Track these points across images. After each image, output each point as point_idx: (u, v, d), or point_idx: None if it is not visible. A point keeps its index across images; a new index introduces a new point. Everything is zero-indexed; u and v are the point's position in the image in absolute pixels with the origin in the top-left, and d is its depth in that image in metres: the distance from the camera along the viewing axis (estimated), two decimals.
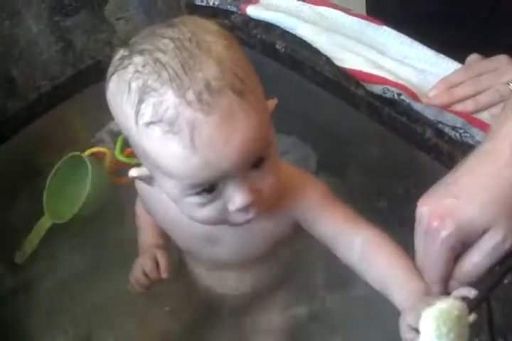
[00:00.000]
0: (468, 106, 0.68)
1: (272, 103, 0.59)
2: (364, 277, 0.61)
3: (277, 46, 0.85)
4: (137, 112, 0.50)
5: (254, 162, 0.54)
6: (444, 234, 0.48)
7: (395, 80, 0.73)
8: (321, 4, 0.87)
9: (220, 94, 0.49)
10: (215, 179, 0.52)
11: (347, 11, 0.86)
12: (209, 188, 0.53)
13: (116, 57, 0.54)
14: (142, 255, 0.75)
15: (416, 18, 0.91)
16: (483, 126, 0.67)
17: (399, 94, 0.72)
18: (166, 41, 0.50)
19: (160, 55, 0.50)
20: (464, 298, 0.46)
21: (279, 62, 0.87)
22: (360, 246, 0.62)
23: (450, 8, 0.87)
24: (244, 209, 0.55)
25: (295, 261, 0.77)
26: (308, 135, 0.96)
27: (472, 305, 0.46)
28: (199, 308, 0.82)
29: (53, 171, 0.88)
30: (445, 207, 0.49)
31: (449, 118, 0.69)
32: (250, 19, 0.89)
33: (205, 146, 0.49)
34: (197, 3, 0.93)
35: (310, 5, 0.87)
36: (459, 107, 0.69)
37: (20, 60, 0.91)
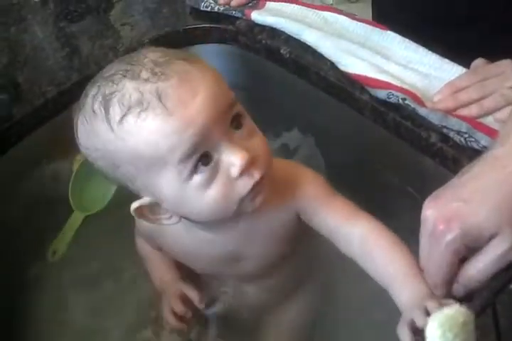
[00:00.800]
0: (472, 110, 0.68)
1: None
2: (367, 271, 0.61)
3: (282, 51, 0.85)
4: (109, 120, 0.52)
5: (232, 120, 0.55)
6: (449, 237, 0.48)
7: (399, 85, 0.73)
8: (325, 10, 0.87)
9: (170, 63, 0.53)
10: (202, 140, 0.53)
11: (351, 16, 0.86)
12: (204, 160, 0.54)
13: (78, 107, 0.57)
14: (165, 294, 0.74)
15: (422, 23, 0.92)
16: (489, 131, 0.67)
17: (403, 99, 0.72)
18: (136, 70, 0.54)
19: (128, 77, 0.53)
20: (469, 304, 0.46)
21: (283, 67, 0.87)
22: (359, 239, 0.61)
23: (456, 11, 0.87)
24: (247, 170, 0.54)
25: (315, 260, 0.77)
26: (311, 137, 0.96)
27: (478, 310, 0.46)
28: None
29: (77, 166, 0.89)
30: (451, 210, 0.49)
31: (453, 123, 0.69)
32: (255, 24, 0.89)
33: (176, 106, 0.51)
34: (202, 9, 0.93)
35: (314, 10, 0.87)
36: (463, 112, 0.69)
37: (26, 66, 0.91)
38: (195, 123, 0.52)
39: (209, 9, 0.92)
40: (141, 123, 0.51)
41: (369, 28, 0.83)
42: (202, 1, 0.93)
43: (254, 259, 0.69)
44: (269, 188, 0.58)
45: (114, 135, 0.52)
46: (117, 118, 0.52)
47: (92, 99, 0.54)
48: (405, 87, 0.73)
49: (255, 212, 0.60)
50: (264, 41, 0.87)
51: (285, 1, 0.90)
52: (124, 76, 0.53)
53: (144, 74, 0.52)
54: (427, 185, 0.72)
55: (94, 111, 0.54)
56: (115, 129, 0.52)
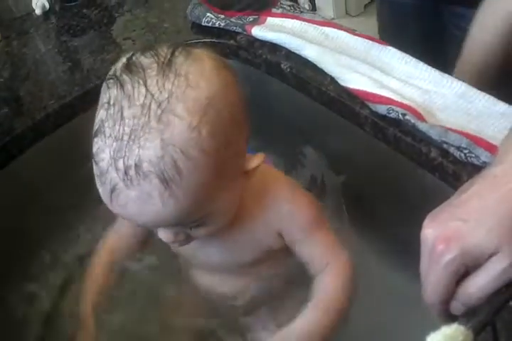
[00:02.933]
0: None
1: (259, 158, 0.61)
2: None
3: (282, 66, 0.85)
4: (93, 136, 0.53)
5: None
6: (448, 257, 0.48)
7: (399, 100, 0.74)
8: (325, 25, 0.88)
9: (145, 179, 0.49)
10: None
11: (351, 31, 0.86)
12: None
13: (117, 65, 0.54)
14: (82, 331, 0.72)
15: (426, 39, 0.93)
16: (489, 147, 0.67)
17: (404, 114, 0.72)
18: (143, 91, 0.50)
19: (126, 105, 0.50)
20: (468, 322, 0.46)
21: (284, 82, 0.87)
22: (317, 278, 0.68)
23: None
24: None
25: (296, 276, 0.76)
26: (311, 150, 0.96)
27: (477, 328, 0.45)
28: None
29: None
30: (451, 230, 0.48)
31: (453, 139, 0.69)
32: (256, 39, 0.90)
33: (119, 208, 0.52)
34: (203, 24, 0.94)
35: (315, 26, 0.88)
36: None
37: (28, 80, 0.92)
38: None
39: (210, 24, 0.93)
40: (96, 179, 0.53)
41: (369, 43, 0.84)
42: (203, 17, 0.94)
43: (221, 252, 0.70)
44: (258, 203, 0.64)
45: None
46: (93, 149, 0.53)
47: (108, 98, 0.53)
48: (405, 102, 0.73)
49: (239, 225, 0.64)
50: (264, 56, 0.88)
51: (286, 17, 0.91)
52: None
53: (120, 164, 0.50)
54: (427, 200, 0.73)
55: (99, 108, 0.53)
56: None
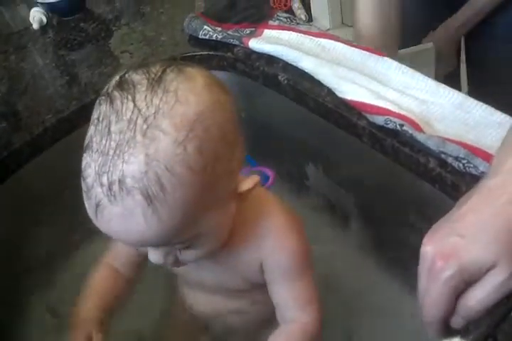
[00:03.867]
0: None
1: (252, 181, 0.59)
2: None
3: (280, 78, 0.86)
4: (83, 151, 0.53)
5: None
6: (447, 273, 0.48)
7: (397, 111, 0.74)
8: (322, 37, 0.88)
9: (128, 194, 0.48)
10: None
11: (348, 42, 0.87)
12: None
13: (111, 82, 0.54)
14: (74, 330, 0.69)
15: None
16: (487, 156, 0.67)
17: (401, 125, 0.72)
18: (130, 106, 0.50)
19: (113, 120, 0.50)
20: (469, 336, 0.45)
21: (281, 93, 0.87)
22: (284, 325, 0.67)
23: None
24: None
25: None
26: (308, 161, 0.96)
27: None
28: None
29: None
30: (449, 246, 0.49)
31: (451, 149, 0.69)
32: (253, 52, 0.90)
33: (104, 224, 0.52)
34: (200, 37, 0.94)
35: (311, 37, 0.88)
36: None
37: (25, 94, 0.92)
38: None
39: (207, 37, 0.94)
40: (84, 195, 0.53)
41: (366, 54, 0.84)
42: (200, 29, 0.94)
43: (213, 275, 0.69)
44: (249, 230, 0.63)
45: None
46: (82, 164, 0.52)
47: (98, 113, 0.52)
48: (403, 112, 0.73)
49: (227, 250, 0.63)
50: (262, 68, 0.88)
51: (282, 29, 0.91)
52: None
53: (104, 180, 0.49)
54: (426, 211, 0.73)
55: (90, 124, 0.53)
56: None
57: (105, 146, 0.49)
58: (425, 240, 0.51)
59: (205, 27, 0.94)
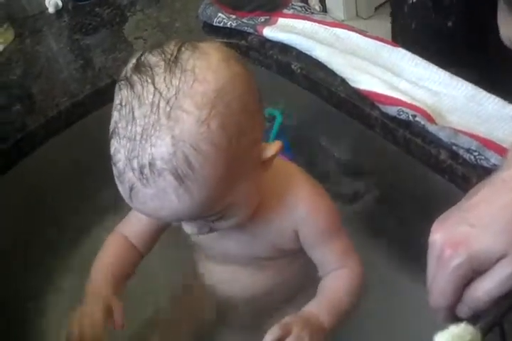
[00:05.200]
0: None
1: (276, 146, 0.60)
2: None
3: (293, 67, 0.86)
4: (109, 137, 0.53)
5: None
6: (456, 262, 0.48)
7: (409, 102, 0.74)
8: (336, 26, 0.88)
9: (160, 176, 0.50)
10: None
11: (362, 32, 0.87)
12: None
13: (128, 66, 0.54)
14: (91, 302, 0.66)
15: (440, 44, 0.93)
16: (499, 149, 0.67)
17: (414, 116, 0.72)
18: (151, 89, 0.51)
19: (136, 105, 0.51)
20: (476, 323, 0.46)
21: (294, 82, 0.87)
22: (331, 277, 0.69)
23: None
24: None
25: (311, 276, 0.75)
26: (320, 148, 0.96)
27: (485, 329, 0.46)
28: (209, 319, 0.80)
29: None
30: (459, 235, 0.49)
31: (463, 141, 0.69)
32: (266, 40, 0.90)
33: (140, 205, 0.54)
34: (214, 24, 0.94)
35: (326, 27, 0.88)
36: None
37: (40, 77, 0.93)
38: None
39: (221, 25, 0.94)
40: (116, 177, 0.54)
41: (380, 44, 0.84)
42: (215, 17, 0.94)
43: (238, 244, 0.70)
44: (277, 199, 0.65)
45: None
46: (111, 150, 0.53)
47: (120, 99, 0.53)
48: (416, 103, 0.74)
49: (257, 219, 0.65)
50: (275, 56, 0.88)
51: (297, 18, 0.91)
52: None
53: (135, 164, 0.51)
54: (436, 202, 0.73)
55: (113, 110, 0.54)
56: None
57: (131, 131, 0.50)
58: (434, 228, 0.51)
59: (220, 14, 0.94)
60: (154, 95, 0.50)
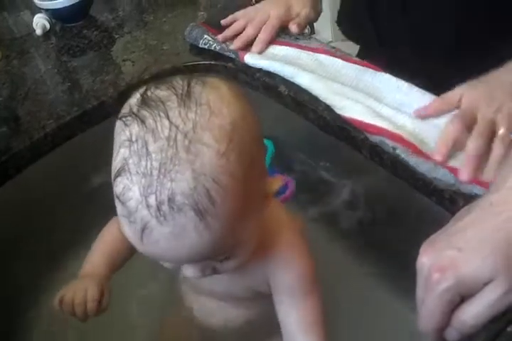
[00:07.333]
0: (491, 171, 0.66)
1: (279, 181, 0.59)
2: None
3: (280, 89, 0.86)
4: (114, 176, 0.51)
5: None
6: (443, 286, 0.48)
7: (391, 130, 0.74)
8: (319, 52, 0.89)
9: (180, 212, 0.48)
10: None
11: (346, 57, 0.87)
12: None
13: (131, 101, 0.53)
14: (86, 278, 0.69)
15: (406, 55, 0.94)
16: (478, 182, 0.67)
17: (394, 149, 0.72)
18: (166, 123, 0.49)
19: (150, 140, 0.49)
20: None
21: (282, 104, 0.88)
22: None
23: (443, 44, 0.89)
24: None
25: None
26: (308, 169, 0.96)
27: None
28: None
29: None
30: (447, 259, 0.49)
31: (442, 174, 0.69)
32: None
33: (151, 246, 0.50)
34: (200, 46, 0.95)
35: (308, 52, 0.89)
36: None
37: (27, 99, 0.92)
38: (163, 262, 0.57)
39: (207, 47, 0.94)
40: (122, 219, 0.51)
41: (362, 69, 0.84)
42: (201, 38, 0.95)
43: (221, 282, 0.68)
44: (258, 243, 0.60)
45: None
46: (116, 190, 0.51)
47: (128, 135, 0.50)
48: (398, 132, 0.73)
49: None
50: (262, 79, 0.89)
51: (280, 44, 0.91)
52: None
53: (152, 200, 0.48)
54: (424, 224, 0.73)
55: (119, 147, 0.51)
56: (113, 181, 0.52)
57: (146, 167, 0.48)
58: (422, 251, 0.51)
59: (206, 36, 0.94)
60: (170, 129, 0.48)
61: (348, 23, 1.10)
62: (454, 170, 0.69)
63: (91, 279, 0.68)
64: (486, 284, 0.47)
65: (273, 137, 0.96)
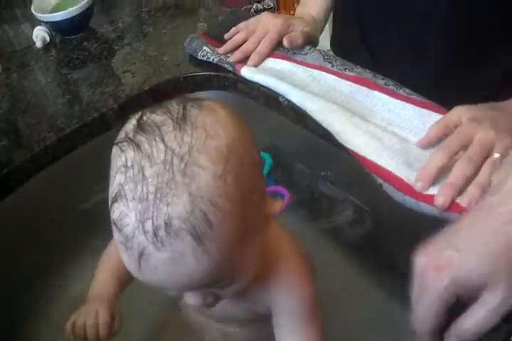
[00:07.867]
0: (475, 194, 0.61)
1: (279, 204, 0.59)
2: None
3: (280, 99, 0.86)
4: (111, 202, 0.50)
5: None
6: (439, 285, 0.48)
7: (380, 164, 0.72)
8: (315, 68, 0.89)
9: (177, 237, 0.47)
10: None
11: (341, 73, 0.87)
12: None
13: (127, 127, 0.52)
14: (97, 301, 0.68)
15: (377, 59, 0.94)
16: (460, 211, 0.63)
17: (380, 185, 0.71)
18: (161, 148, 0.48)
19: (146, 165, 0.48)
20: None
21: (282, 114, 0.88)
22: None
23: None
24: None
25: None
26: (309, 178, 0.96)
27: None
28: None
29: None
30: (443, 259, 0.49)
31: (425, 210, 0.67)
32: None
33: (149, 273, 0.49)
34: (199, 58, 0.95)
35: (304, 67, 0.89)
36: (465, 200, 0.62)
37: (27, 112, 0.93)
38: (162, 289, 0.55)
39: (205, 58, 0.94)
40: (119, 245, 0.50)
41: (356, 87, 0.84)
42: (200, 50, 0.95)
43: (222, 306, 0.66)
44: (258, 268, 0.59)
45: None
46: (113, 216, 0.50)
47: (124, 161, 0.50)
48: (386, 167, 0.72)
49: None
50: (262, 89, 0.89)
51: (277, 57, 0.92)
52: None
53: (148, 226, 0.47)
54: (427, 234, 0.73)
55: (115, 173, 0.51)
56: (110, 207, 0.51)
57: (142, 192, 0.47)
58: (419, 252, 0.51)
59: (205, 48, 0.95)
60: (166, 153, 0.48)
61: (341, 51, 1.11)
62: (435, 206, 0.65)
63: (101, 302, 0.68)
64: (481, 287, 0.47)
65: (273, 146, 0.97)
